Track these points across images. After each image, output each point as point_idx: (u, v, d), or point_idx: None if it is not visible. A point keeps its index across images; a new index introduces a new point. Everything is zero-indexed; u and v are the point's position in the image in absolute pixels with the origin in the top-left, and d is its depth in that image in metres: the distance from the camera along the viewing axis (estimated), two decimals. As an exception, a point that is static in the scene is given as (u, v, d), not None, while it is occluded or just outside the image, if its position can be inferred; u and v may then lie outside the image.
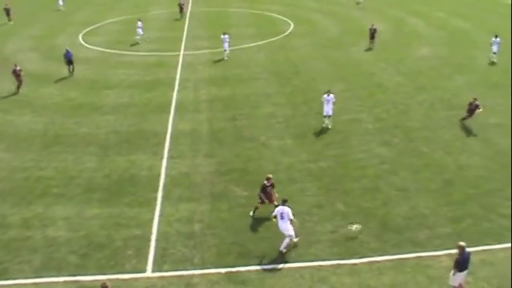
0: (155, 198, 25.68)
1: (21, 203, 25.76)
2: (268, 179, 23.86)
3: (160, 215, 24.30)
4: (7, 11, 67.84)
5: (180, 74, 44.11)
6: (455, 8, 70.33)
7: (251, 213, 24.01)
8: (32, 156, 30.57)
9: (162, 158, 29.70)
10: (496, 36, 45.83)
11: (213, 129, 33.19)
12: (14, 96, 40.22)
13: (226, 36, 47.61)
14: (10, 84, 41.33)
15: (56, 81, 43.16)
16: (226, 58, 47.64)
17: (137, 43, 54.82)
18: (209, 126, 33.73)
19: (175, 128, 33.48)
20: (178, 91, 40.06)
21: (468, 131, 32.32)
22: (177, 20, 63.10)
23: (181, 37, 56.68)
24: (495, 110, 34.64)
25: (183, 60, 48.15)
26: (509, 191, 25.67)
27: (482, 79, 41.85)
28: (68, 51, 44.25)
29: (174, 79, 42.89)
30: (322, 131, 32.33)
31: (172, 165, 28.81)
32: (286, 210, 21.25)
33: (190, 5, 75.48)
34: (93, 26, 63.37)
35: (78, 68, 45.50)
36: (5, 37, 59.80)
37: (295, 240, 21.68)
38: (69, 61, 44.23)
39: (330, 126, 32.59)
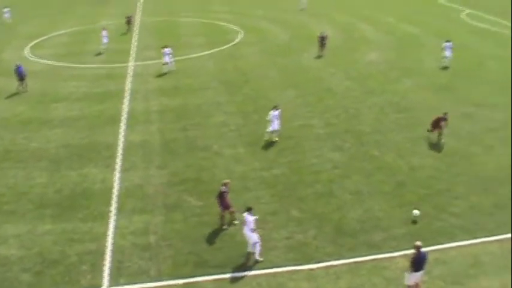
0: (109, 212, 25.49)
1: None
2: (225, 184, 23.90)
3: (115, 228, 24.14)
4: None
5: (130, 85, 43.76)
6: (404, 13, 71.58)
7: (225, 226, 23.95)
8: (-19, 173, 30.02)
9: (114, 170, 29.47)
10: (448, 41, 46.72)
11: (165, 140, 33.07)
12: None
13: (167, 49, 46.85)
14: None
15: (2, 96, 42.29)
16: (166, 71, 46.71)
17: (100, 53, 54.18)
18: (161, 136, 33.60)
19: (127, 140, 33.23)
20: (129, 102, 39.74)
21: (418, 133, 33.00)
22: (124, 34, 62.37)
23: (131, 48, 56.24)
24: (441, 111, 35.40)
25: (133, 71, 47.79)
26: (458, 190, 26.41)
27: (430, 82, 42.76)
28: (18, 67, 42.83)
29: (124, 90, 42.50)
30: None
31: (125, 178, 28.63)
32: (250, 219, 21.31)
33: (140, 15, 74.96)
34: (40, 39, 62.28)
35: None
36: None
37: (253, 249, 21.76)
38: (20, 77, 42.94)
39: (276, 139, 32.34)
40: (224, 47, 55.78)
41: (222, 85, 43.31)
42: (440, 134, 31.37)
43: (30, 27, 70.52)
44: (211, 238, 23.27)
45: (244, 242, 21.81)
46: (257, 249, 21.44)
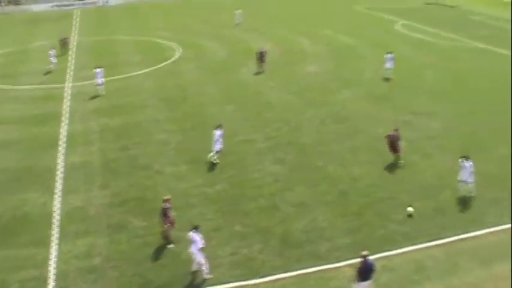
0: (50, 236, 25.06)
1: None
2: (166, 200, 23.85)
3: (57, 253, 23.76)
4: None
5: (69, 106, 43.19)
6: (341, 26, 72.86)
7: (170, 245, 23.84)
8: None
9: (55, 193, 29.03)
10: (389, 53, 47.60)
11: (106, 160, 32.81)
12: None
13: (99, 70, 45.98)
14: None
15: None
16: (102, 93, 45.94)
17: (49, 72, 53.26)
18: (102, 157, 33.31)
19: (67, 162, 32.79)
20: (68, 124, 39.19)
21: (359, 142, 33.68)
22: (60, 55, 61.32)
23: (68, 68, 55.48)
24: (380, 120, 36.28)
25: (70, 92, 47.15)
26: (400, 197, 27.19)
27: (369, 92, 43.75)
28: None
29: (62, 112, 41.90)
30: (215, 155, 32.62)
31: (66, 200, 28.25)
32: (197, 238, 21.34)
33: (76, 35, 74.02)
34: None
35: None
36: None
37: (199, 267, 21.80)
38: None
39: (218, 161, 31.87)
40: (162, 64, 55.70)
41: (162, 102, 43.28)
42: (399, 157, 31.08)
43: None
44: (155, 258, 23.18)
45: (189, 260, 21.84)
46: (204, 268, 21.47)
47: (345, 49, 59.40)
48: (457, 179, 27.23)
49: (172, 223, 23.73)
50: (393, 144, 30.87)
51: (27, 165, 32.76)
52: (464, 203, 26.53)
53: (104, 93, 45.83)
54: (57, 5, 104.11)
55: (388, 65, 47.28)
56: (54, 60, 54.41)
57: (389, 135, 31.18)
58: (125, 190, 29.03)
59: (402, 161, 30.93)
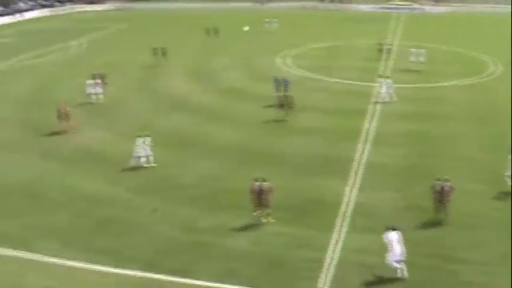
0: (336, 224, 25.69)
1: (211, 210, 27.33)
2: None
3: (338, 242, 24.22)
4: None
5: (373, 105, 43.73)
6: None
7: None
8: (228, 168, 32.50)
9: (349, 186, 29.66)
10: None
11: (404, 164, 32.44)
12: (214, 108, 43.35)
13: (387, 80, 45.54)
14: (210, 96, 43.74)
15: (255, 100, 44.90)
16: (386, 99, 44.93)
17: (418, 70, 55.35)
18: (400, 160, 33.04)
19: (365, 158, 33.33)
20: (372, 122, 39.79)
21: None
22: (376, 59, 62.11)
23: (380, 70, 56.04)
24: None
25: (378, 92, 47.67)
26: None
27: None
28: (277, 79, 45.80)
29: (367, 109, 42.73)
30: None
31: (359, 195, 28.64)
32: None
33: (396, 39, 74.77)
34: (299, 50, 64.95)
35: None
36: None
37: None
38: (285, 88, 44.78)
39: None
40: (476, 78, 53.43)
41: (469, 117, 41.45)
42: None
43: (293, 37, 74.43)
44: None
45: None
46: None
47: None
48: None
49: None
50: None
51: (328, 153, 34.07)
52: None
53: (395, 99, 45.13)
54: (381, 7, 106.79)
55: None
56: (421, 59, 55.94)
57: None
58: (416, 197, 28.33)
59: None
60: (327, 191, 29.12)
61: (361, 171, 31.51)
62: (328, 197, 28.39)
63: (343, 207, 27.31)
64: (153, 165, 32.18)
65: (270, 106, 42.75)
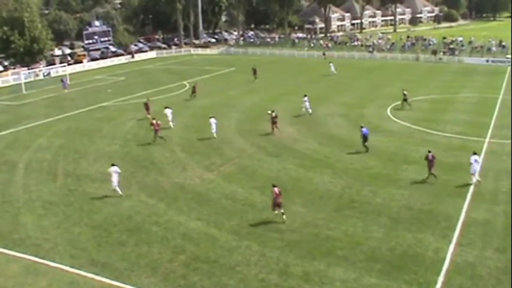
0: (435, 282, 25.21)
1: (306, 257, 27.56)
2: None
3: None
4: (254, 71, 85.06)
5: (483, 161, 42.37)
6: None
7: None
8: (324, 215, 32.50)
9: (450, 243, 29.05)
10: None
11: (509, 223, 31.47)
12: (315, 155, 43.49)
13: None
14: (314, 143, 44.44)
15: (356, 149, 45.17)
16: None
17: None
18: (505, 219, 31.89)
19: (468, 215, 32.47)
20: (475, 178, 38.52)
21: None
22: (485, 106, 60.75)
23: (489, 124, 54.64)
24: None
25: (486, 147, 46.44)
26: None
27: None
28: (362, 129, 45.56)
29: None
30: None
31: (459, 253, 27.97)
32: None
33: (507, 92, 72.60)
34: (400, 101, 64.28)
35: (381, 139, 47.50)
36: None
37: None
38: (364, 138, 45.00)
39: None
40: None
41: None
42: None
43: (392, 88, 74.04)
44: None
45: None
46: None
47: None
48: None
49: None
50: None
51: (430, 208, 33.45)
52: None
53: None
54: (492, 60, 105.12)
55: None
56: None
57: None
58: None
59: None
60: (425, 246, 28.68)
61: (464, 229, 30.76)
62: (427, 253, 27.96)
63: (442, 265, 26.76)
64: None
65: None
